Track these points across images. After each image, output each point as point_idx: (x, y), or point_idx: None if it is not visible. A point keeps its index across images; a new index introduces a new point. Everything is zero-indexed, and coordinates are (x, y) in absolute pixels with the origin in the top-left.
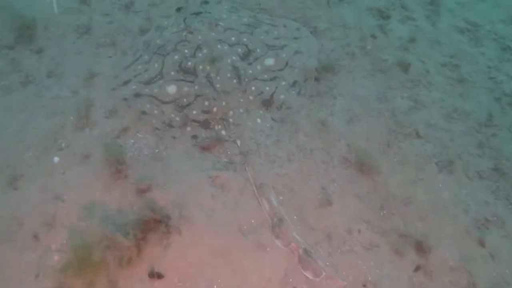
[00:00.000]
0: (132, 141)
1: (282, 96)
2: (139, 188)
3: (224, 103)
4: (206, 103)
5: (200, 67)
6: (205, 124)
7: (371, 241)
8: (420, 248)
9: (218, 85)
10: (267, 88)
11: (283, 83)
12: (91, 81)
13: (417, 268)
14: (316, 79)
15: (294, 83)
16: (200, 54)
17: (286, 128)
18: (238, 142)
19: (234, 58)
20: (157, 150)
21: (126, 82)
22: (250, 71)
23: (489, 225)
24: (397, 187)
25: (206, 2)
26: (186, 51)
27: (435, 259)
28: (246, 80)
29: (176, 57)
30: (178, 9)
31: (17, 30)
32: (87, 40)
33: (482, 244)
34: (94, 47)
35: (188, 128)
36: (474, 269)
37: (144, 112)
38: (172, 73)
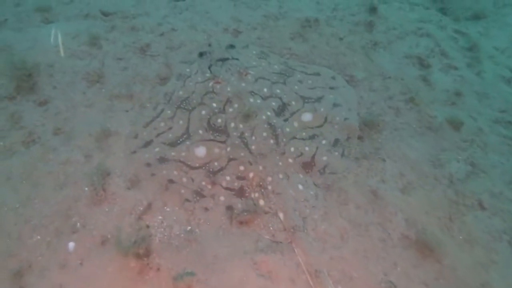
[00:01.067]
0: (160, 217)
1: (324, 158)
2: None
3: (261, 168)
4: (241, 167)
5: (232, 124)
6: (241, 193)
7: None
8: None
9: (253, 147)
10: (307, 149)
11: (324, 141)
12: (106, 142)
13: None
14: (359, 137)
15: (336, 142)
16: (231, 109)
17: (334, 197)
18: (281, 215)
19: (269, 113)
20: (189, 228)
21: (147, 143)
22: (288, 129)
23: None
24: (467, 272)
25: (232, 46)
26: (214, 105)
27: None
28: (284, 140)
29: (203, 112)
30: (201, 54)
31: (17, 78)
32: (99, 90)
33: None
34: (107, 98)
35: (222, 198)
36: None
37: (171, 181)
38: (200, 131)
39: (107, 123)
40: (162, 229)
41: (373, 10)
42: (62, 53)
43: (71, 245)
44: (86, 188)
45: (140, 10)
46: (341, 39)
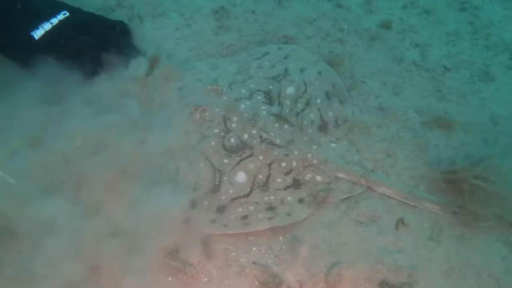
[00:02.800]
0: (257, 247)
1: (330, 113)
2: None
3: (296, 152)
4: (283, 164)
5: (246, 136)
6: (297, 183)
7: None
8: None
9: (278, 140)
10: (312, 115)
11: (318, 100)
12: None
13: None
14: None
15: (327, 95)
16: (233, 125)
17: (357, 134)
18: (341, 174)
19: (264, 107)
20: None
21: (193, 205)
22: (287, 110)
23: None
24: None
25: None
26: (216, 130)
27: None
28: (294, 119)
29: (212, 143)
30: None
31: None
32: None
33: None
34: None
35: (289, 198)
36: None
37: (244, 217)
38: (226, 161)
39: None
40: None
41: None
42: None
43: None
44: (170, 278)
45: None
46: (253, 12)
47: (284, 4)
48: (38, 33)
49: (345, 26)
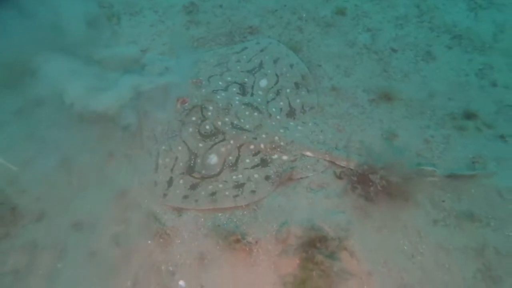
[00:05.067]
0: (228, 215)
1: (298, 101)
2: None
3: (264, 136)
4: (252, 146)
5: (219, 123)
6: (264, 162)
7: None
8: None
9: (247, 126)
10: (282, 103)
11: (288, 90)
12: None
13: None
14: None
15: (296, 85)
16: (209, 113)
17: (324, 115)
18: (308, 153)
19: (237, 98)
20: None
21: (170, 182)
22: (259, 99)
23: None
24: None
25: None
26: (193, 118)
27: None
28: (263, 107)
29: (190, 129)
30: None
31: None
32: None
33: None
34: None
35: (256, 175)
36: None
37: (213, 193)
38: (201, 145)
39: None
40: (233, 217)
41: None
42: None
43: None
44: (149, 241)
45: None
46: (220, 6)
47: None
48: None
49: (304, 15)
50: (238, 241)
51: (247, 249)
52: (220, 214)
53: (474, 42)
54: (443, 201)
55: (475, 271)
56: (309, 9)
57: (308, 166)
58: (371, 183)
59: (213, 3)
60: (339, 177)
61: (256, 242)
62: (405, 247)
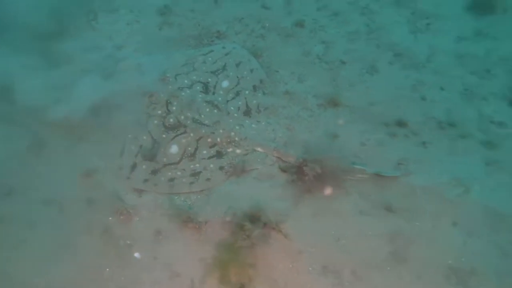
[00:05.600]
0: (183, 198)
1: (254, 101)
2: None
3: (221, 131)
4: (209, 139)
5: (182, 117)
6: (220, 154)
7: None
8: None
9: (207, 121)
10: (240, 103)
11: (247, 92)
12: (94, 179)
13: None
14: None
15: (254, 88)
16: (174, 108)
17: (277, 116)
18: (259, 148)
19: (200, 95)
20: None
21: (133, 167)
22: (220, 98)
23: None
24: None
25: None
26: (159, 112)
27: None
28: (223, 105)
29: (155, 121)
30: None
31: None
32: None
33: None
34: None
35: (211, 165)
36: None
37: (171, 179)
38: (164, 136)
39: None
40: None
41: None
42: None
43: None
44: (110, 218)
45: None
46: (192, 10)
47: (219, 4)
48: None
49: (267, 24)
50: (190, 220)
51: (197, 227)
52: (176, 197)
53: (412, 60)
54: (370, 195)
55: (387, 253)
56: (273, 20)
57: (258, 160)
58: (306, 174)
59: (185, 7)
60: (283, 170)
61: (206, 222)
62: (333, 232)
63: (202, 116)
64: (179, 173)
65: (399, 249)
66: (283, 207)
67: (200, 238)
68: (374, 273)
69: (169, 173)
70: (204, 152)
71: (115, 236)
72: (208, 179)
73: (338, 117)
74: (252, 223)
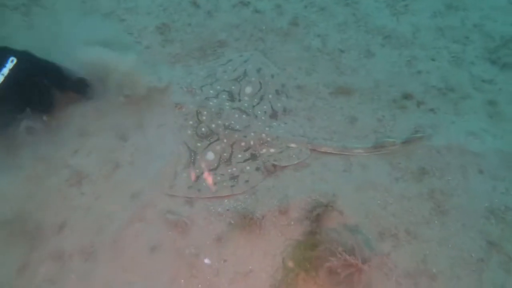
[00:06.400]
0: (227, 201)
1: (279, 105)
2: None
3: (253, 134)
4: (243, 144)
5: (213, 125)
6: (254, 157)
7: None
8: None
9: (237, 126)
10: (265, 107)
11: (270, 96)
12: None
13: None
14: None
15: (277, 92)
16: (204, 117)
17: (304, 116)
18: (292, 144)
19: (227, 104)
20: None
21: (175, 176)
22: (246, 104)
23: None
24: None
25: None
26: (191, 122)
27: None
28: (250, 110)
29: (189, 132)
30: None
31: None
32: None
33: None
34: None
35: (247, 167)
36: None
37: (215, 183)
38: (198, 144)
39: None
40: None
41: None
42: None
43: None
44: (170, 232)
45: None
46: (189, 24)
47: (213, 15)
48: None
49: (264, 27)
50: (247, 218)
51: (256, 223)
52: (226, 200)
53: (400, 40)
54: (399, 163)
55: (430, 209)
56: (267, 22)
57: (293, 155)
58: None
59: (182, 23)
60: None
61: (263, 216)
62: (378, 201)
63: (232, 122)
64: (219, 177)
65: (440, 203)
66: (327, 188)
67: (261, 232)
68: (425, 228)
69: (210, 178)
70: (239, 156)
71: (180, 248)
72: (247, 181)
73: (350, 101)
74: (308, 209)
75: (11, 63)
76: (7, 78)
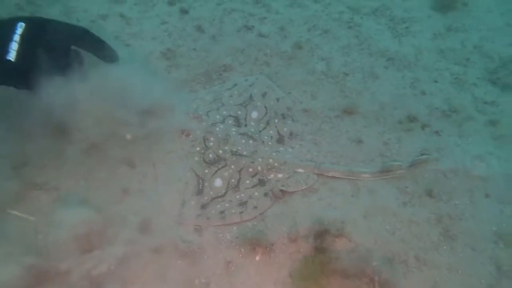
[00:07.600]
0: (235, 228)
1: (285, 129)
2: None
3: (260, 159)
4: (250, 169)
5: (220, 151)
6: (262, 182)
7: None
8: None
9: (245, 152)
10: (271, 132)
11: (276, 120)
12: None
13: None
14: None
15: (283, 116)
16: (211, 143)
17: (310, 141)
18: (300, 170)
19: (233, 129)
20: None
21: (183, 205)
22: (252, 129)
23: None
24: None
25: None
26: (198, 149)
27: None
28: (256, 135)
29: (196, 158)
30: None
31: None
32: None
33: None
34: None
35: (256, 193)
36: None
37: (222, 211)
38: (206, 171)
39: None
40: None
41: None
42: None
43: None
44: (179, 261)
45: None
46: (194, 49)
47: (217, 39)
48: (12, 56)
49: (268, 51)
50: (256, 246)
51: (265, 251)
52: (235, 228)
53: (403, 62)
54: (407, 187)
55: (439, 234)
56: (272, 46)
57: (301, 181)
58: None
59: (187, 48)
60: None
61: (272, 244)
62: (387, 227)
63: (240, 148)
64: (227, 204)
65: (448, 228)
66: (336, 215)
67: (270, 261)
68: (434, 254)
69: (218, 206)
70: (247, 181)
71: (190, 278)
72: (255, 207)
73: (356, 124)
74: (317, 237)
75: (20, 28)
76: (22, 43)
